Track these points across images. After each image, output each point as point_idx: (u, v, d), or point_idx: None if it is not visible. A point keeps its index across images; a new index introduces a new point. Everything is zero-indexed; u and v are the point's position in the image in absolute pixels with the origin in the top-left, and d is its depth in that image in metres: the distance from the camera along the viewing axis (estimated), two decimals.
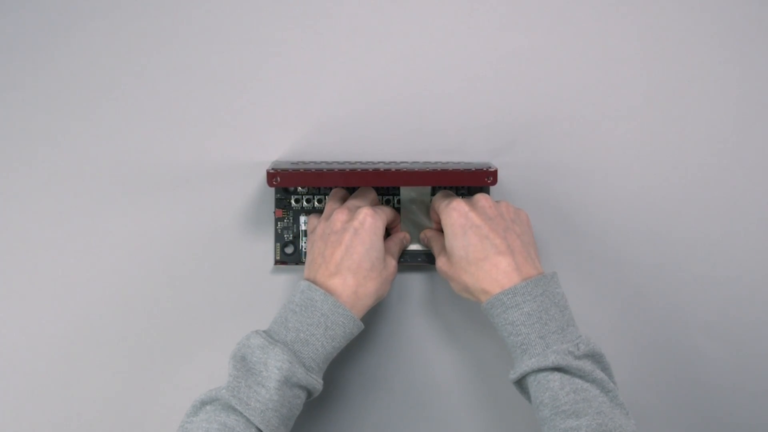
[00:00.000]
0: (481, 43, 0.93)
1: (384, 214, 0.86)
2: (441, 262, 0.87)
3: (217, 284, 0.94)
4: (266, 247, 0.93)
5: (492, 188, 0.92)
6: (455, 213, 0.84)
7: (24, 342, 0.93)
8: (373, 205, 0.89)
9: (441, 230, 0.92)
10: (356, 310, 0.82)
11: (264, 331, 0.81)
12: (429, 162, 0.92)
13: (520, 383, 0.81)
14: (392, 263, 0.87)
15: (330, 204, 0.89)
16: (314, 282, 0.83)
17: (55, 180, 0.92)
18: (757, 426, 0.97)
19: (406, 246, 0.92)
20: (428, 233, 0.91)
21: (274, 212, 0.93)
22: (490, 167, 0.87)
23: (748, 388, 0.96)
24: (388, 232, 0.92)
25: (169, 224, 0.93)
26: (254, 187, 0.93)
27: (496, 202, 0.86)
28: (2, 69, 0.92)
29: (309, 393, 0.81)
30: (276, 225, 0.93)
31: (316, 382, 0.80)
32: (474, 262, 0.82)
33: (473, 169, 0.86)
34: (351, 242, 0.82)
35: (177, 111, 0.93)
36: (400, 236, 0.91)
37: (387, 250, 0.87)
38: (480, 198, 0.85)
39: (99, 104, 0.92)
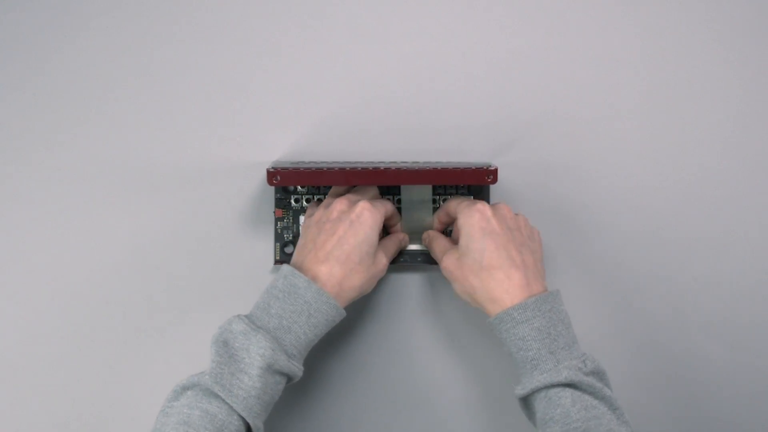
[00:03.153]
0: (481, 43, 0.93)
1: (383, 208, 0.86)
2: (448, 261, 0.86)
3: (217, 284, 0.94)
4: (266, 247, 0.93)
5: (492, 188, 0.92)
6: (478, 215, 0.83)
7: (23, 339, 0.93)
8: (374, 200, 0.89)
9: (443, 233, 0.92)
10: (339, 300, 0.82)
11: (246, 316, 0.80)
12: (429, 162, 0.91)
13: (526, 399, 0.81)
14: (383, 261, 0.86)
15: (330, 197, 0.89)
16: (300, 267, 0.83)
17: (56, 180, 0.92)
18: (756, 426, 0.96)
19: (404, 247, 0.92)
20: (431, 234, 0.91)
21: (274, 212, 0.92)
22: (490, 166, 0.87)
23: (747, 388, 0.96)
24: (388, 231, 0.92)
25: (169, 224, 0.93)
26: (254, 187, 0.93)
27: (515, 214, 0.86)
28: (2, 69, 0.92)
29: (289, 379, 0.81)
30: (276, 225, 0.93)
31: (297, 369, 0.80)
32: (487, 269, 0.82)
33: (474, 168, 0.86)
34: (345, 233, 0.82)
35: (177, 111, 0.93)
36: (399, 237, 0.91)
37: (381, 247, 0.87)
38: (502, 207, 0.85)
39: (99, 104, 0.92)
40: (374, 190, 0.91)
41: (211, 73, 0.92)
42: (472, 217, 0.83)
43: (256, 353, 0.77)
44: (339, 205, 0.84)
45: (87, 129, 0.92)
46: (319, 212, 0.86)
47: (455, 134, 0.93)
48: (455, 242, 0.88)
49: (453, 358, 0.95)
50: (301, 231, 0.89)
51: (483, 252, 0.82)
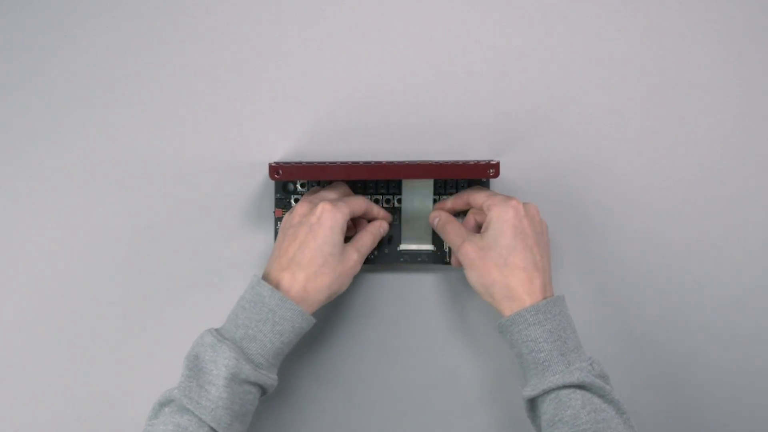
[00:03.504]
0: (481, 43, 0.93)
1: (346, 207, 0.84)
2: (470, 249, 0.84)
3: (216, 284, 0.93)
4: (266, 247, 0.93)
5: (493, 185, 0.92)
6: (513, 212, 0.83)
7: (23, 338, 0.93)
8: (345, 197, 0.88)
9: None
10: (306, 305, 0.81)
11: (216, 330, 0.80)
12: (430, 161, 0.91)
13: (534, 401, 0.81)
14: (353, 257, 0.84)
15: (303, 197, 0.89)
16: (267, 276, 0.83)
17: (57, 179, 0.92)
18: (756, 426, 0.96)
19: (383, 234, 0.90)
20: (443, 216, 0.90)
21: (274, 212, 0.92)
22: (491, 161, 0.86)
23: (747, 388, 0.96)
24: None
25: (169, 224, 0.93)
26: (254, 187, 0.93)
27: (540, 219, 0.87)
28: (2, 69, 0.92)
29: (262, 389, 0.80)
30: (276, 225, 0.92)
31: (267, 378, 0.79)
32: (510, 266, 0.82)
33: (475, 162, 0.86)
34: (305, 237, 0.82)
35: (178, 111, 0.92)
36: (375, 225, 0.89)
37: (352, 243, 0.86)
38: (532, 207, 0.86)
39: (100, 104, 0.92)
40: (344, 188, 0.90)
41: (212, 73, 0.92)
42: (506, 213, 0.83)
43: (221, 364, 0.77)
44: (300, 209, 0.84)
45: (88, 128, 0.92)
46: (286, 218, 0.86)
47: (455, 134, 0.93)
48: (468, 229, 0.88)
49: (454, 359, 0.95)
50: None
51: (511, 250, 0.82)
